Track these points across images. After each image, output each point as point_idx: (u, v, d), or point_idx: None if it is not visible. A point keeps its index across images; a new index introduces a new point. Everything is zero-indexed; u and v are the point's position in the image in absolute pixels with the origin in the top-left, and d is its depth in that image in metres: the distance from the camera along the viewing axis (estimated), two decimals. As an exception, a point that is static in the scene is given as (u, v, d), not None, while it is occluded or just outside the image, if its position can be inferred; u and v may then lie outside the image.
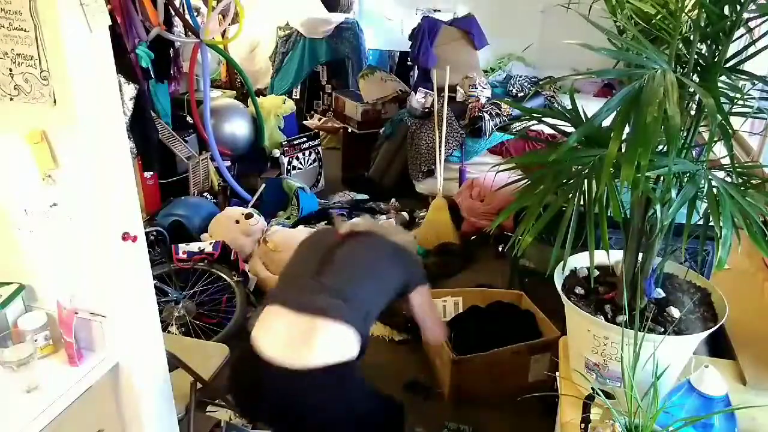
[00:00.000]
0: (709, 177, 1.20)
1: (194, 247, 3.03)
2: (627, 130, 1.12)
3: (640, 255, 1.42)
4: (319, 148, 4.66)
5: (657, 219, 1.31)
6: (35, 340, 1.50)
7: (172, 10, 3.53)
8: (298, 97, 5.58)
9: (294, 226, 3.67)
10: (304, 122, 5.36)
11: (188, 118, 4.14)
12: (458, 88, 4.24)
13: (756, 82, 1.27)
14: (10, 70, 1.31)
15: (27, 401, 1.40)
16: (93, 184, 1.38)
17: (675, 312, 1.42)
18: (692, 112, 1.29)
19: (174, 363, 1.83)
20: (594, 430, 1.33)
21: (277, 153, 4.46)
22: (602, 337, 1.40)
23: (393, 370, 2.73)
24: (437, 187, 3.94)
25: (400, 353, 2.89)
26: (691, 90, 1.16)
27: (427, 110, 4.20)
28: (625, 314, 1.36)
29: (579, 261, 1.60)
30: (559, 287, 1.52)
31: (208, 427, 2.35)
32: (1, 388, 1.43)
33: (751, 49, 1.26)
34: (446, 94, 3.99)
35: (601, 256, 1.54)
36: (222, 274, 2.95)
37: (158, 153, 3.55)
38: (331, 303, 1.71)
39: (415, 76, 5.26)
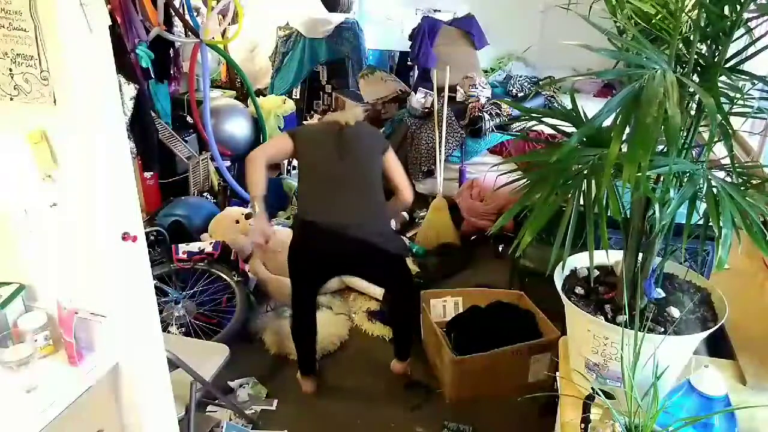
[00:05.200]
0: (709, 177, 1.20)
1: (194, 247, 3.03)
2: (627, 130, 1.12)
3: (640, 255, 1.42)
4: (319, 148, 4.66)
5: (657, 219, 1.31)
6: (35, 340, 1.50)
7: (171, 10, 3.53)
8: (298, 97, 5.57)
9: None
10: (304, 122, 5.36)
11: (188, 118, 4.14)
12: (458, 88, 4.24)
13: (756, 82, 1.27)
14: (10, 70, 1.31)
15: (27, 401, 1.40)
16: (93, 184, 1.38)
17: (675, 312, 1.42)
18: (692, 112, 1.29)
19: (174, 363, 1.83)
20: (594, 430, 1.34)
21: (277, 153, 4.45)
22: (602, 337, 1.41)
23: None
24: (437, 187, 3.94)
25: (400, 353, 2.89)
26: (691, 90, 1.16)
27: (427, 110, 4.20)
28: (625, 314, 1.36)
29: (579, 261, 1.60)
30: (559, 287, 1.52)
31: (208, 427, 2.36)
32: (1, 388, 1.43)
33: (751, 49, 1.26)
34: (446, 94, 3.99)
35: (601, 256, 1.54)
36: (222, 274, 2.95)
37: (158, 153, 3.55)
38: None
39: (415, 76, 5.25)
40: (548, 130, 1.55)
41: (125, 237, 1.46)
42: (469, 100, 4.14)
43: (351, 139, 2.43)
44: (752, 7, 1.17)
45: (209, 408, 2.47)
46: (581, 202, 1.27)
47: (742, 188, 1.23)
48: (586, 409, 1.38)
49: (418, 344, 2.83)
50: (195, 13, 3.88)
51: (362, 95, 4.80)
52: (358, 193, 2.40)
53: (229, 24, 4.22)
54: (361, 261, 2.44)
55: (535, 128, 3.38)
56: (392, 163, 2.54)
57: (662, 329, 1.38)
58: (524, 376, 2.52)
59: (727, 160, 1.27)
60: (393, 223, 3.89)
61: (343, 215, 2.34)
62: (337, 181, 2.38)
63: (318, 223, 2.34)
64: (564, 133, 1.46)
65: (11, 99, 1.33)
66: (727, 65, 1.25)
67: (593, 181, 1.22)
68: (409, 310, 2.63)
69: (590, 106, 1.37)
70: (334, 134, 2.43)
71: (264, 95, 5.25)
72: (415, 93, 4.32)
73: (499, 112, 4.04)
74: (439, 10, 5.17)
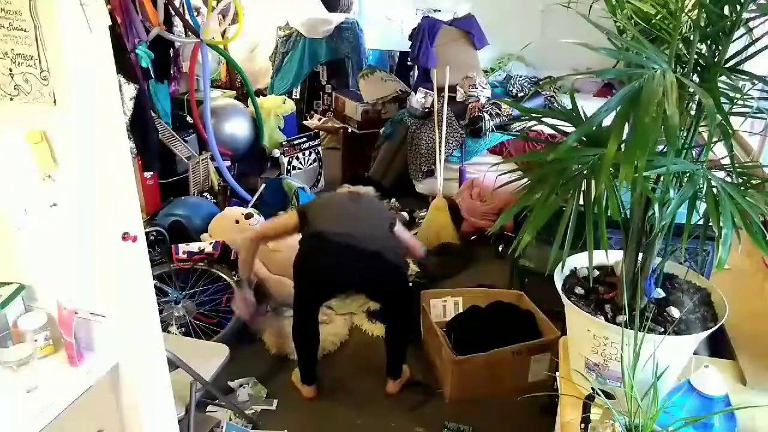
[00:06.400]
0: (709, 177, 1.20)
1: (194, 247, 3.03)
2: (626, 130, 1.12)
3: (640, 255, 1.42)
4: (319, 148, 4.66)
5: (657, 219, 1.31)
6: (35, 340, 1.50)
7: (172, 10, 3.53)
8: (298, 97, 5.57)
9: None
10: (304, 122, 5.36)
11: (188, 118, 4.14)
12: (458, 88, 4.24)
13: (756, 82, 1.27)
14: (10, 70, 1.31)
15: (27, 401, 1.40)
16: (93, 184, 1.38)
17: (675, 312, 1.42)
18: (692, 112, 1.29)
19: (174, 363, 1.83)
20: (594, 430, 1.34)
21: (277, 153, 4.46)
22: (602, 337, 1.41)
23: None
24: (437, 187, 3.94)
25: (400, 353, 2.89)
26: (691, 90, 1.16)
27: (427, 110, 4.20)
28: (625, 314, 1.36)
29: (579, 261, 1.60)
30: (559, 287, 1.52)
31: (208, 427, 2.36)
32: (1, 388, 1.43)
33: (751, 49, 1.26)
34: (446, 94, 3.99)
35: (601, 256, 1.54)
36: (222, 274, 2.95)
37: (158, 153, 3.55)
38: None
39: (415, 76, 5.25)
40: (548, 130, 1.55)
41: (125, 237, 1.46)
42: (469, 100, 4.14)
43: (366, 204, 2.64)
44: (752, 7, 1.17)
45: (209, 408, 2.47)
46: (581, 202, 1.27)
47: (742, 188, 1.23)
48: (586, 409, 1.38)
49: (418, 344, 2.83)
50: (195, 13, 3.88)
51: (362, 95, 4.80)
52: (369, 223, 2.53)
53: (229, 24, 4.23)
54: (368, 276, 2.45)
55: (535, 128, 3.38)
56: (402, 234, 2.68)
57: (662, 329, 1.38)
58: (524, 376, 2.52)
59: (727, 160, 1.27)
60: None
61: (353, 227, 2.42)
62: (349, 213, 2.54)
63: (327, 233, 2.39)
64: (564, 133, 1.45)
65: (11, 99, 1.33)
66: (727, 65, 1.25)
67: (593, 181, 1.22)
68: (406, 336, 2.61)
69: (590, 106, 1.37)
70: (351, 197, 2.65)
71: (264, 95, 5.25)
72: (415, 93, 4.32)
73: (499, 112, 4.04)
74: (439, 10, 5.16)
